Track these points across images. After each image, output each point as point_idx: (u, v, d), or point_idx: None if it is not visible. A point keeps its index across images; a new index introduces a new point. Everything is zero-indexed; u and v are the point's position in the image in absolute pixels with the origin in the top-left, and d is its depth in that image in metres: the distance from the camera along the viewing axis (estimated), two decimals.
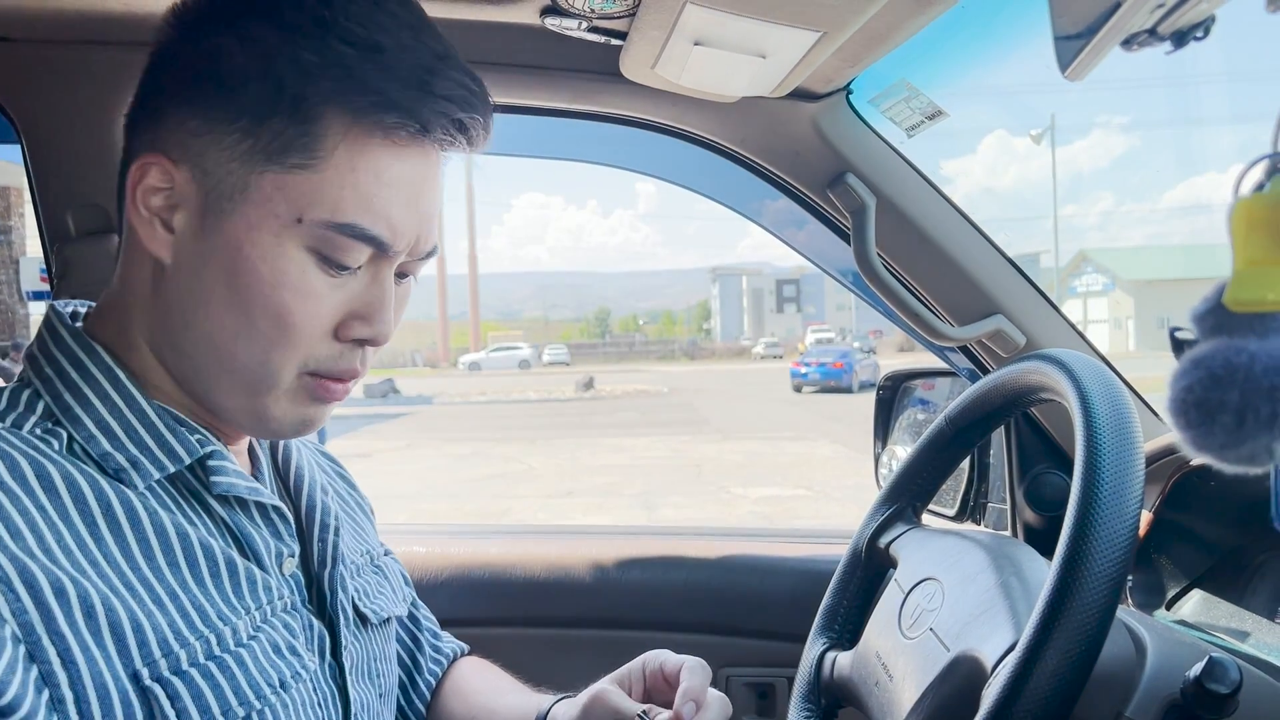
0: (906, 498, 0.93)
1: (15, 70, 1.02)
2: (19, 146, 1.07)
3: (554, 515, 8.32)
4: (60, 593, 0.53)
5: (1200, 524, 1.01)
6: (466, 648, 1.01)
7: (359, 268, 0.64)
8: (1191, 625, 0.93)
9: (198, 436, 0.64)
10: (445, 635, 1.00)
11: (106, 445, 0.61)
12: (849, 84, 1.03)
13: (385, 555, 0.90)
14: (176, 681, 0.56)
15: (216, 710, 0.58)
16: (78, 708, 0.52)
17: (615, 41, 0.94)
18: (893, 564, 0.89)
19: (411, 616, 0.96)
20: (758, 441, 13.50)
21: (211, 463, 0.64)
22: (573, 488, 9.71)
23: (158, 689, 0.55)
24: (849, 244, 1.08)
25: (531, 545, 1.41)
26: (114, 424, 0.62)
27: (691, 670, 0.76)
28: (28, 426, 0.60)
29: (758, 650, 1.32)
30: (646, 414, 19.52)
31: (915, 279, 1.12)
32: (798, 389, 24.19)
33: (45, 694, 0.51)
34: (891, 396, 1.42)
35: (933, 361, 1.34)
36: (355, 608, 0.76)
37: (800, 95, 1.04)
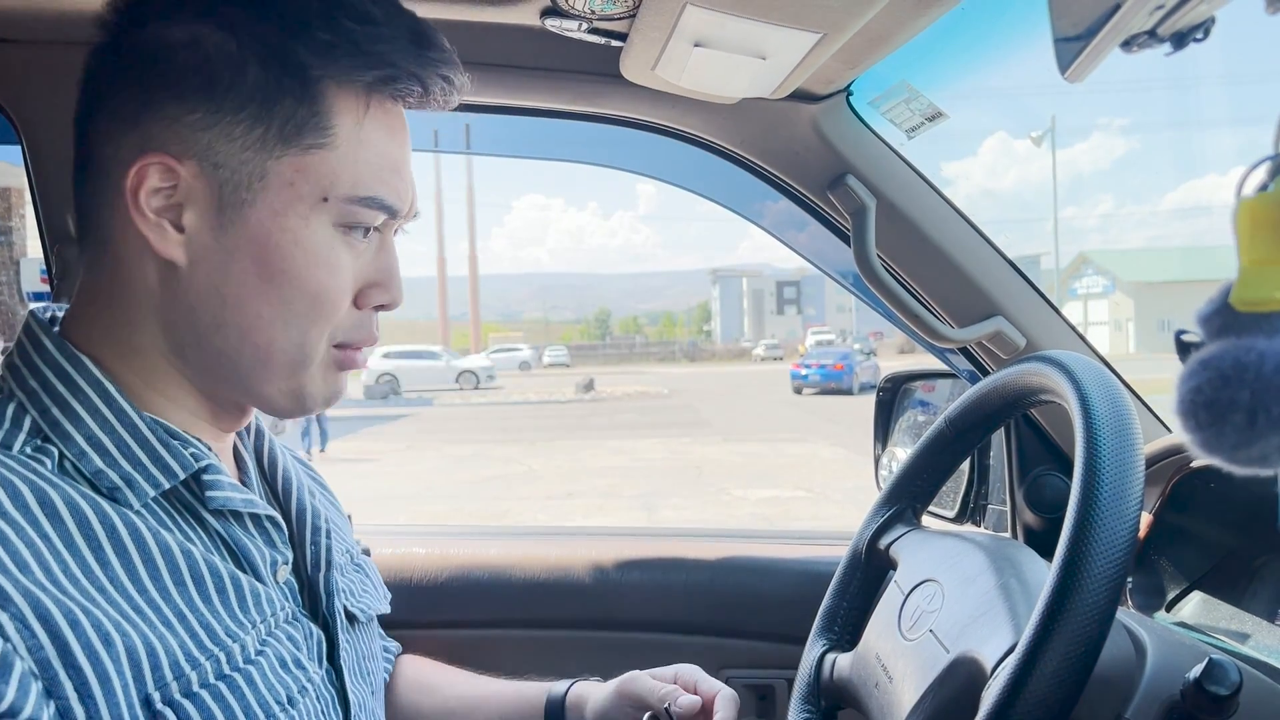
0: (906, 499, 0.93)
1: (15, 71, 1.02)
2: (19, 147, 1.07)
3: (554, 517, 8.32)
4: (74, 624, 0.51)
5: (1200, 526, 1.01)
6: (400, 646, 1.03)
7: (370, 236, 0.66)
8: (1191, 627, 0.93)
9: (191, 450, 0.63)
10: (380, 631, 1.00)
11: (99, 462, 0.59)
12: (849, 85, 1.03)
13: (364, 554, 0.91)
14: (188, 704, 0.55)
15: None
16: None
17: (615, 43, 0.94)
18: (893, 565, 0.89)
19: None
20: (758, 443, 13.49)
21: (207, 477, 0.63)
22: (573, 489, 9.70)
23: (169, 713, 0.54)
24: (849, 245, 1.08)
25: (532, 547, 1.40)
26: (106, 440, 0.60)
27: (725, 702, 0.83)
28: (17, 445, 0.58)
29: (757, 651, 1.32)
30: (647, 415, 19.51)
31: (915, 280, 1.12)
32: (798, 391, 24.19)
33: None
34: (891, 398, 1.42)
35: (933, 363, 1.34)
36: (344, 608, 0.76)
37: (800, 97, 1.04)
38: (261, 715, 0.59)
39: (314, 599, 0.73)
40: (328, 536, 0.76)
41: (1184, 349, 0.41)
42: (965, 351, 1.19)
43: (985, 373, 1.18)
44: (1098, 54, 0.60)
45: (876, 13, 0.80)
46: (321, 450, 12.52)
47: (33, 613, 0.50)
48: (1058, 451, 1.18)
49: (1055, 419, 1.17)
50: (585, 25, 0.91)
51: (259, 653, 0.62)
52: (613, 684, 0.88)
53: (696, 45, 0.86)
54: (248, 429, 0.78)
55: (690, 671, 0.88)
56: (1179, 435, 0.40)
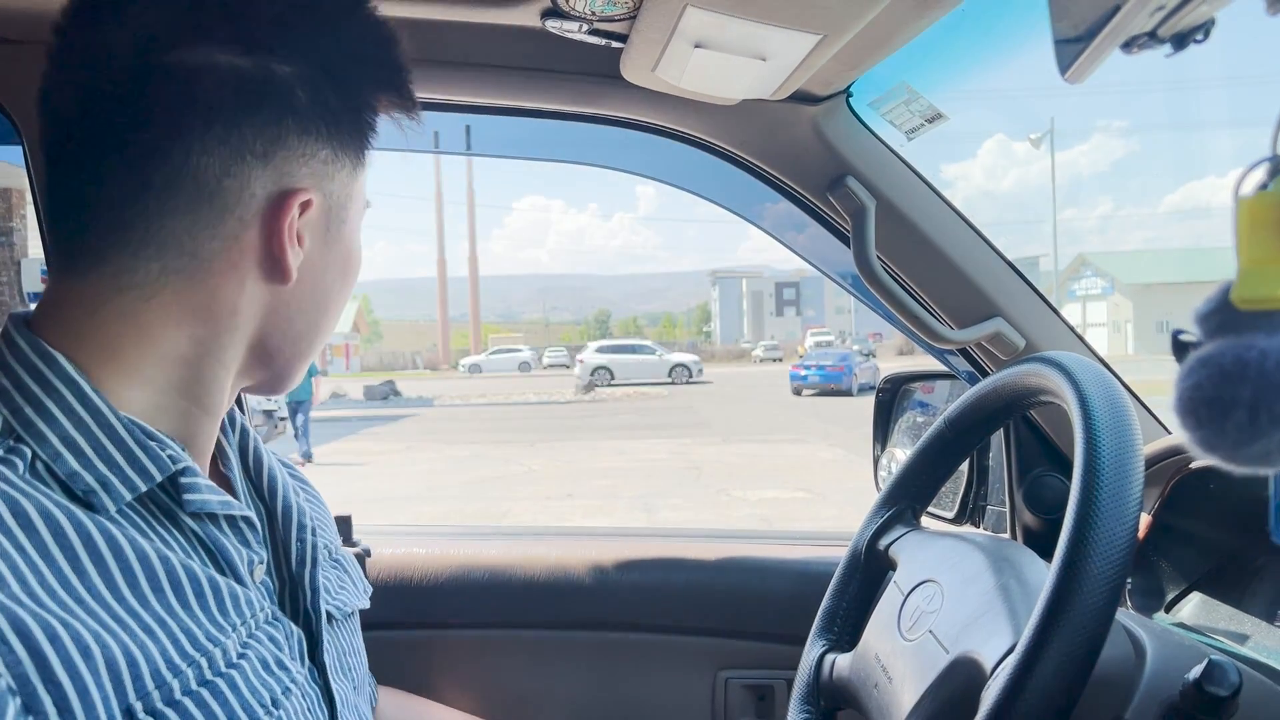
0: (906, 500, 0.93)
1: (16, 71, 1.02)
2: (20, 147, 1.07)
3: (554, 517, 8.32)
4: (53, 638, 0.50)
5: (1199, 527, 1.01)
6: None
7: None
8: (1190, 628, 0.93)
9: (169, 452, 0.62)
10: None
11: (74, 464, 0.58)
12: (849, 87, 1.04)
13: (362, 555, 0.91)
14: (171, 712, 0.55)
15: None
16: None
17: (615, 44, 0.94)
18: (892, 566, 0.89)
19: None
20: (757, 444, 13.49)
21: (184, 479, 0.62)
22: (573, 490, 9.70)
23: None
24: (849, 247, 1.08)
25: (531, 547, 1.40)
26: (81, 440, 0.59)
27: None
28: None
29: (757, 652, 1.32)
30: (646, 416, 19.51)
31: (915, 282, 1.12)
32: (797, 392, 24.19)
33: None
34: (891, 399, 1.42)
35: (932, 364, 1.34)
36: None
37: (800, 98, 1.04)
38: (245, 719, 0.58)
39: (295, 597, 0.73)
40: (314, 534, 0.75)
41: (1181, 348, 0.41)
42: (964, 352, 1.19)
43: (984, 374, 1.18)
44: (1098, 55, 0.60)
45: (877, 14, 0.80)
46: (309, 460, 12.09)
47: (10, 627, 0.49)
48: (1057, 452, 1.18)
49: (1054, 420, 1.17)
50: (585, 26, 0.91)
51: (241, 656, 0.61)
52: None
53: (697, 46, 0.86)
54: (232, 426, 0.78)
55: None
56: (1178, 434, 0.40)
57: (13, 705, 0.49)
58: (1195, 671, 0.58)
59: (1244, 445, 0.37)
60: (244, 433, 0.79)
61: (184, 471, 0.62)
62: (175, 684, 0.56)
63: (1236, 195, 0.40)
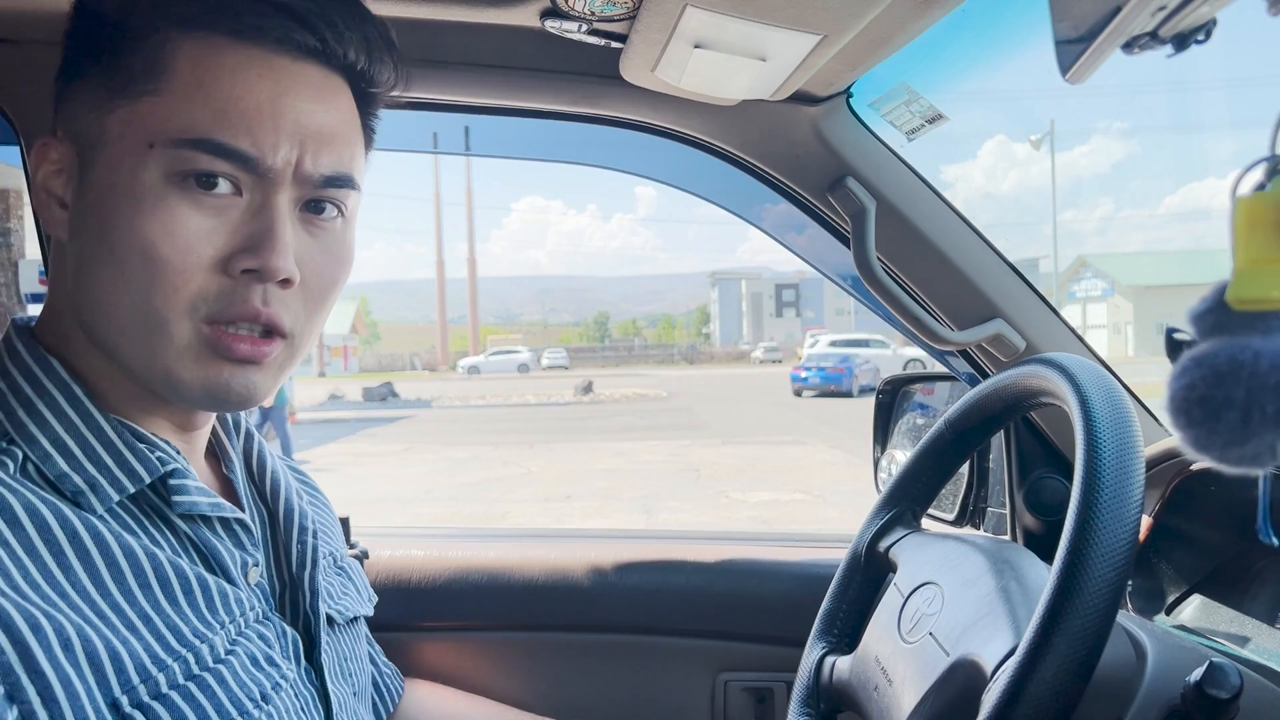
0: (906, 502, 0.93)
1: (15, 71, 1.02)
2: (19, 148, 1.07)
3: (553, 519, 8.31)
4: (36, 629, 0.51)
5: (1200, 529, 1.00)
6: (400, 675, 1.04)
7: (239, 194, 0.61)
8: (1191, 630, 0.93)
9: (158, 454, 0.62)
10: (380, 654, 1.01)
11: (63, 465, 0.58)
12: (849, 87, 1.03)
13: (362, 557, 0.91)
14: (157, 706, 0.55)
15: None
16: None
17: (615, 44, 0.94)
18: (892, 568, 0.89)
19: None
20: (757, 446, 13.49)
21: (173, 481, 0.62)
22: (571, 491, 9.69)
23: (138, 715, 0.54)
24: (849, 248, 1.08)
25: (530, 549, 1.40)
26: (71, 443, 0.59)
27: None
28: None
29: (756, 655, 1.31)
30: (646, 418, 19.50)
31: (915, 283, 1.12)
32: (798, 393, 24.23)
33: None
34: (891, 401, 1.42)
35: (932, 365, 1.34)
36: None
37: (800, 98, 1.04)
38: (234, 712, 0.59)
39: (294, 598, 0.73)
40: (314, 537, 0.76)
41: (1175, 347, 0.41)
42: (965, 354, 1.19)
43: (985, 375, 1.18)
44: (1099, 56, 0.60)
45: (877, 14, 0.80)
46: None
47: None
48: (1057, 454, 1.18)
49: (1055, 421, 1.17)
50: (585, 26, 0.91)
51: (229, 652, 0.61)
52: None
53: (696, 47, 0.86)
54: (236, 429, 0.78)
55: None
56: (1170, 432, 0.40)
57: None
58: (1196, 674, 0.58)
59: (1235, 446, 0.37)
60: (249, 436, 0.79)
61: (174, 474, 0.62)
62: (161, 678, 0.56)
63: (1234, 195, 0.40)
